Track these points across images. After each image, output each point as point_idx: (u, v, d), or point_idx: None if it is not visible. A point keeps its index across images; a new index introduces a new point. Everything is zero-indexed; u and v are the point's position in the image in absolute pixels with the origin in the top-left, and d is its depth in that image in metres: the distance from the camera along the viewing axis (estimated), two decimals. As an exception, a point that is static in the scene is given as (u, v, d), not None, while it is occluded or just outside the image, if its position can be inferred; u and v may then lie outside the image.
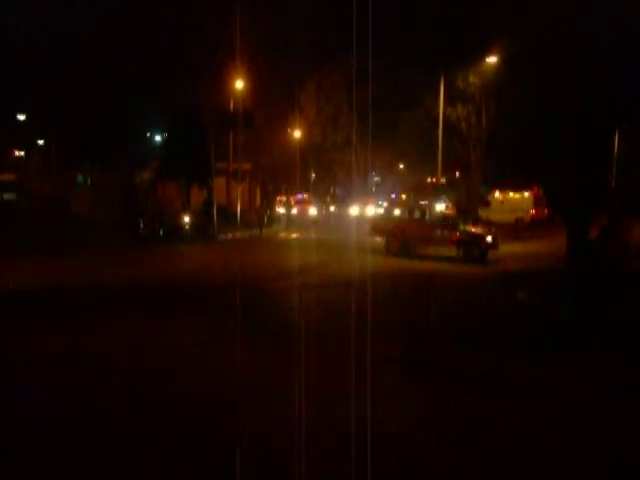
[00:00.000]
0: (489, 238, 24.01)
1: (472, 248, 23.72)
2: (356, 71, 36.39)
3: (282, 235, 38.07)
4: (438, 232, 24.58)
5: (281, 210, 49.76)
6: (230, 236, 35.46)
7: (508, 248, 26.41)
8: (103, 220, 35.18)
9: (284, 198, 53.09)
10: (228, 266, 21.18)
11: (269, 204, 50.61)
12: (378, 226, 28.29)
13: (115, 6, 46.82)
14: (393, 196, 64.15)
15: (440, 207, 50.28)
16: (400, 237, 25.67)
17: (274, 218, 44.10)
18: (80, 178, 49.26)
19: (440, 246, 24.61)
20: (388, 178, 68.26)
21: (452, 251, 24.11)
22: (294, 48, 39.17)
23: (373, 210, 52.76)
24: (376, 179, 74.32)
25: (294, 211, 49.63)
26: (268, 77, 39.73)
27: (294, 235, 37.25)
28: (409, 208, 27.98)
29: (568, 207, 21.19)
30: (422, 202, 36.63)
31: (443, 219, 25.99)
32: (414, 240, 25.30)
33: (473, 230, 24.95)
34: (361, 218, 48.42)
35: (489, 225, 31.07)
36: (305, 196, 54.46)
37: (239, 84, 38.07)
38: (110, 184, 41.29)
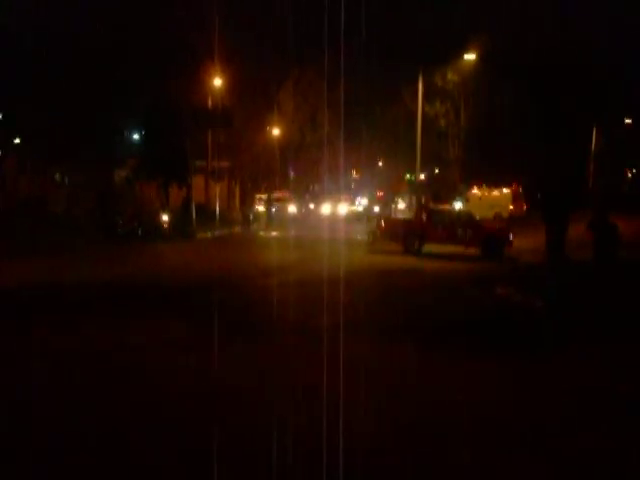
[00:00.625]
0: (510, 235, 24.00)
1: (496, 245, 23.52)
2: (333, 69, 36.37)
3: (262, 233, 38.04)
4: (460, 231, 24.43)
5: (260, 208, 49.59)
6: (209, 235, 35.38)
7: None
8: (81, 219, 34.89)
9: (264, 196, 52.96)
10: (208, 265, 21.09)
11: (249, 202, 50.57)
12: (391, 228, 27.14)
13: (92, 4, 46.49)
14: (381, 194, 64.13)
15: (401, 205, 50.52)
16: (419, 238, 25.14)
17: (255, 216, 44.07)
18: (58, 177, 48.80)
19: (461, 245, 24.35)
20: (367, 175, 68.41)
21: (470, 250, 23.89)
22: (272, 46, 39.07)
23: (346, 208, 52.00)
24: (355, 176, 74.45)
25: (274, 209, 49.23)
26: (246, 75, 39.66)
27: (274, 233, 37.19)
28: (383, 205, 28.07)
29: (546, 203, 21.37)
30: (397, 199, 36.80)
31: (460, 216, 25.95)
32: (435, 240, 25.01)
33: (496, 227, 24.85)
34: (334, 217, 48.09)
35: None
36: (284, 194, 54.37)
37: (217, 82, 37.96)
38: (88, 183, 40.93)
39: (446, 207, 31.18)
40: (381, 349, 9.30)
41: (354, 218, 47.08)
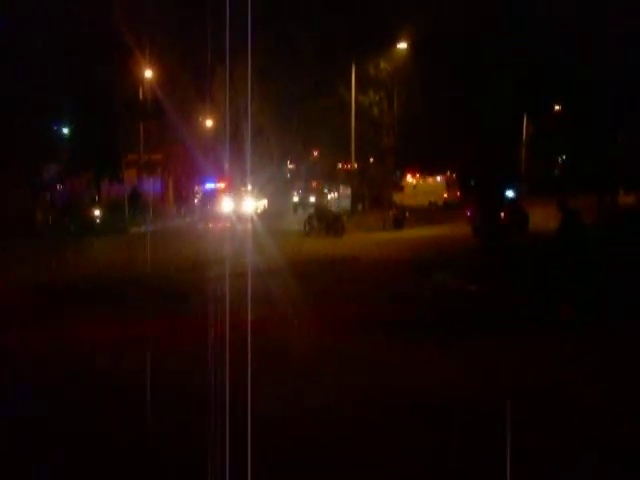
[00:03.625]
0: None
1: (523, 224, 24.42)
2: (264, 59, 36.00)
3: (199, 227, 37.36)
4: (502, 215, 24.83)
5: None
6: (142, 229, 34.61)
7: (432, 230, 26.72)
8: (8, 216, 33.71)
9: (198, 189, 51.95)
10: (144, 258, 20.59)
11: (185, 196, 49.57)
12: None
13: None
14: (314, 184, 63.45)
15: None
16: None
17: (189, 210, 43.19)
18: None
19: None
20: (302, 166, 68.07)
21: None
22: (204, 36, 38.40)
23: (253, 205, 41.92)
24: (290, 166, 73.96)
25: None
26: (176, 66, 38.96)
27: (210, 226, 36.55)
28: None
29: (479, 189, 21.71)
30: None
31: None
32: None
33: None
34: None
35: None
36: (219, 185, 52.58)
37: (147, 73, 37.22)
38: (15, 179, 39.60)
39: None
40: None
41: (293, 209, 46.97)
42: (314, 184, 64.26)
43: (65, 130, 48.40)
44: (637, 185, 34.70)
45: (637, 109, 33.63)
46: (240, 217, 35.16)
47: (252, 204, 39.65)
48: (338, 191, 50.90)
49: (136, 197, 38.50)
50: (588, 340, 9.12)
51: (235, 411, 5.14)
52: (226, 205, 40.31)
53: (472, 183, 44.44)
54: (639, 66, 31.41)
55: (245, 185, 39.78)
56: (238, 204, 39.38)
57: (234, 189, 42.36)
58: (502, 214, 23.96)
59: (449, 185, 45.94)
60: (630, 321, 10.04)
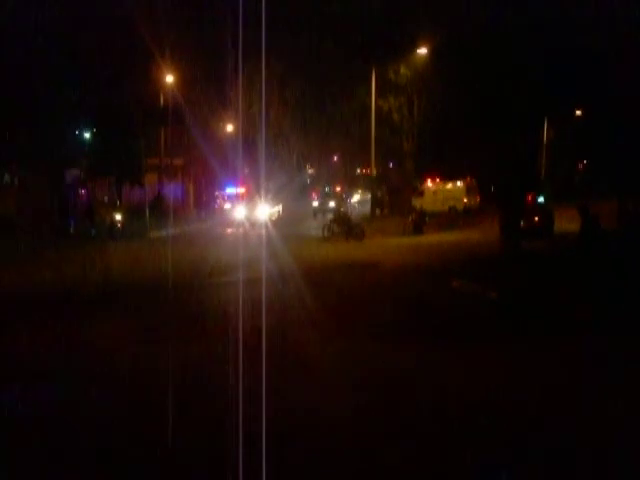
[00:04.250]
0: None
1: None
2: (283, 64, 36.17)
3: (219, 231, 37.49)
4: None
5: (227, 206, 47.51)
6: (164, 234, 34.78)
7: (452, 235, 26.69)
8: (32, 221, 34.07)
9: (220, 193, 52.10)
10: (162, 264, 20.71)
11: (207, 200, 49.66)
12: None
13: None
14: (338, 188, 63.43)
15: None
16: None
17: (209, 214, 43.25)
18: (7, 178, 47.63)
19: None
20: (322, 170, 68.18)
21: None
22: (223, 41, 38.66)
23: (267, 211, 40.52)
24: (310, 171, 74.04)
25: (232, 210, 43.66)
26: (197, 71, 39.22)
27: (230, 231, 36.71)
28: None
29: (500, 194, 21.62)
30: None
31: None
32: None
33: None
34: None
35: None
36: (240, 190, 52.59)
37: (168, 79, 37.50)
38: (38, 184, 40.00)
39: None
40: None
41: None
42: (335, 189, 64.33)
43: (87, 135, 48.89)
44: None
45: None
46: (254, 223, 35.09)
47: (266, 210, 38.98)
48: (358, 196, 50.85)
49: (159, 202, 38.77)
50: (598, 343, 9.05)
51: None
52: (239, 211, 39.92)
53: (492, 189, 44.19)
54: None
55: (259, 191, 39.50)
56: (252, 210, 38.80)
57: (251, 194, 42.25)
58: (536, 218, 24.57)
59: (469, 190, 45.75)
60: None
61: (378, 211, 45.17)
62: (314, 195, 60.30)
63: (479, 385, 7.37)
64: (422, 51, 40.55)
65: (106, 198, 43.67)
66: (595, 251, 12.21)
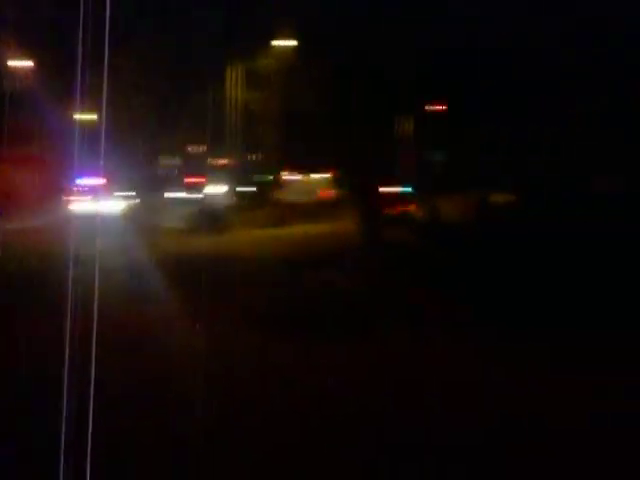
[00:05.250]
0: None
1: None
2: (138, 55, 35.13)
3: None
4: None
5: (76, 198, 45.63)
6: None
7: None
8: None
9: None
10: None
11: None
12: None
13: None
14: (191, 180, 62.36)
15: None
16: None
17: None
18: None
19: None
20: (181, 161, 66.81)
21: None
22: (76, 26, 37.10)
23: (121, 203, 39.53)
24: (169, 162, 72.45)
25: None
26: (48, 57, 37.48)
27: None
28: None
29: (358, 187, 22.02)
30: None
31: None
32: None
33: None
34: None
35: None
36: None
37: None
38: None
39: None
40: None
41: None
42: (199, 180, 63.04)
43: None
44: (507, 185, 36.12)
45: (502, 108, 34.86)
46: (106, 216, 33.03)
47: (119, 202, 36.73)
48: (223, 187, 49.95)
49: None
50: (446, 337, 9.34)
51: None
52: (90, 204, 37.04)
53: (348, 181, 45.00)
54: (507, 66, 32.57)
55: (115, 182, 37.10)
56: (105, 202, 36.44)
57: (109, 186, 39.99)
58: (399, 208, 25.32)
59: (332, 182, 46.36)
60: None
61: (244, 203, 44.79)
62: (177, 186, 58.63)
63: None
64: (283, 43, 40.52)
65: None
66: (441, 242, 12.60)
